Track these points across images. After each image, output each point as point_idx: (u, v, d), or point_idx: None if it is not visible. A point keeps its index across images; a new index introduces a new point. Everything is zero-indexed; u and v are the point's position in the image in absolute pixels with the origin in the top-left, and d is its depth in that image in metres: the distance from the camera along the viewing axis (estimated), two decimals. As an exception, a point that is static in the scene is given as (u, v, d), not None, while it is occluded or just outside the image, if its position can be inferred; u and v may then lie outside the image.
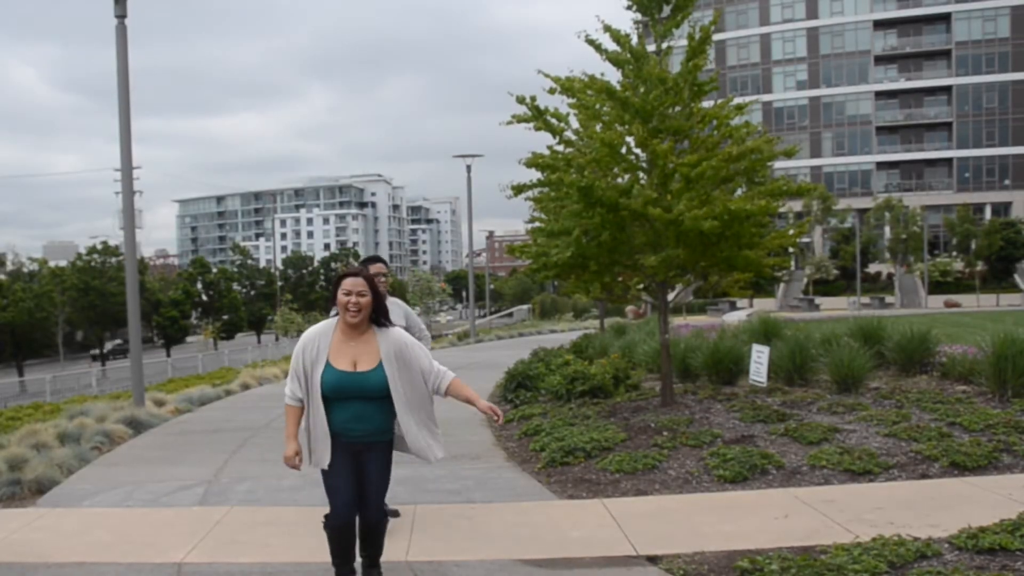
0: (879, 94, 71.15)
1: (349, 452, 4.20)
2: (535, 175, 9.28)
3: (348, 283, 4.09)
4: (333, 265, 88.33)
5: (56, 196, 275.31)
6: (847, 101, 71.95)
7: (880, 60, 71.29)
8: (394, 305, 5.73)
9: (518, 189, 9.43)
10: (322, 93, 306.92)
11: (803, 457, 6.89)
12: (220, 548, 5.42)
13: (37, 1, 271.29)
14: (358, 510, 4.28)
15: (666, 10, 9.31)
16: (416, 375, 4.25)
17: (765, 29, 72.91)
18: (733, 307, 49.36)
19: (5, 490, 7.21)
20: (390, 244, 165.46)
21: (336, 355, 4.14)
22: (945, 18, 68.83)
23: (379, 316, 4.21)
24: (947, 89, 69.50)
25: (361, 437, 4.19)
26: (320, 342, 4.17)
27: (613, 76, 9.20)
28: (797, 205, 59.32)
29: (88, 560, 5.25)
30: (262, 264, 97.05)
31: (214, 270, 75.87)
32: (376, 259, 6.11)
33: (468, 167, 36.94)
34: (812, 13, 71.89)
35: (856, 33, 70.98)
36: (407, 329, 5.18)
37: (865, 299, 55.56)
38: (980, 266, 61.16)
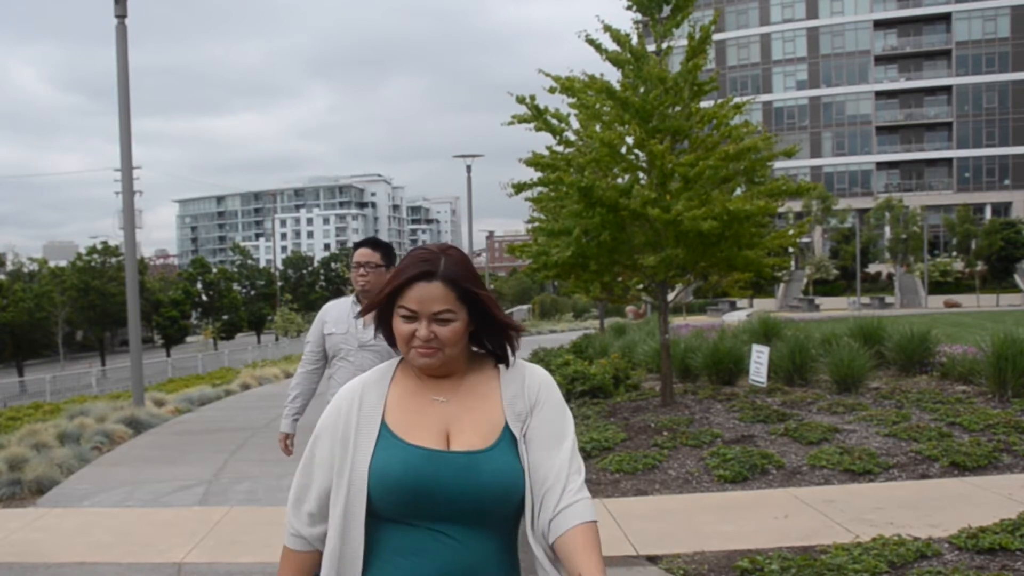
0: (879, 94, 71.10)
1: None
2: (535, 174, 9.30)
3: (414, 296, 1.68)
4: (333, 265, 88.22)
5: (56, 196, 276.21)
6: (847, 101, 71.90)
7: (880, 60, 71.25)
8: None
9: (518, 187, 9.45)
10: (323, 93, 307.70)
11: (803, 457, 6.89)
12: (220, 548, 5.43)
13: (37, 1, 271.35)
14: None
15: (666, 10, 9.32)
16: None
17: (765, 29, 72.86)
18: (733, 307, 49.33)
19: (5, 490, 7.21)
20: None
21: (402, 416, 1.74)
22: (945, 18, 68.78)
23: (495, 346, 1.80)
24: (947, 89, 69.46)
25: None
26: (365, 397, 1.77)
27: (613, 76, 9.22)
28: (797, 205, 59.24)
29: (88, 560, 5.25)
30: (262, 264, 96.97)
31: (214, 270, 75.81)
32: (367, 243, 4.03)
33: (468, 167, 36.97)
34: (812, 13, 71.84)
35: (856, 33, 70.94)
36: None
37: (865, 299, 55.50)
38: (980, 266, 61.11)
